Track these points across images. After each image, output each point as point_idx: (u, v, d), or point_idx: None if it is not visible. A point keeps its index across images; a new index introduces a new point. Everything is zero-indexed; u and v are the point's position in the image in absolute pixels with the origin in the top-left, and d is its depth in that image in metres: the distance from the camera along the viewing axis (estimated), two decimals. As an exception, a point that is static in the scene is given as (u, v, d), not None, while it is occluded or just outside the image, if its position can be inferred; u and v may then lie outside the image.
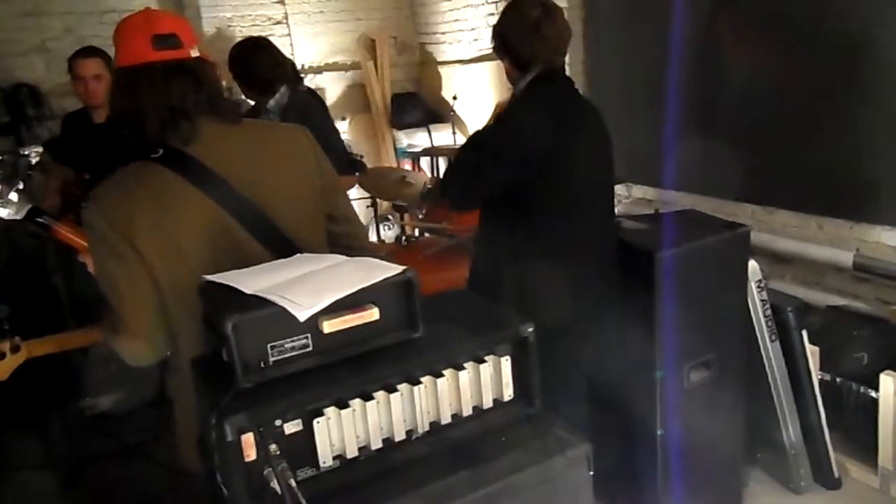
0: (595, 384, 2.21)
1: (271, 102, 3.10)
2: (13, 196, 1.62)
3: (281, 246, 1.44)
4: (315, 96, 3.55)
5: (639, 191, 4.43)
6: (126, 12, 1.49)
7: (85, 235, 1.59)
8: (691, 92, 3.74)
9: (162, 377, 1.55)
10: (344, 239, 1.62)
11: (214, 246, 1.39)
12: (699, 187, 3.87)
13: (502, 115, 2.17)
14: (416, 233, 4.29)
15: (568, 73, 2.28)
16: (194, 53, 1.45)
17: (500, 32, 2.17)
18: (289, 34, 5.93)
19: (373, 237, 5.12)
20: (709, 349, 2.34)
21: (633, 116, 4.14)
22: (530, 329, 1.30)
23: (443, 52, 6.18)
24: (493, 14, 5.27)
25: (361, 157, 4.30)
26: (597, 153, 2.18)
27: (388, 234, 5.64)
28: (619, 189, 4.06)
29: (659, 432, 2.30)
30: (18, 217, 1.64)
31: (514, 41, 2.11)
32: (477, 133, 2.17)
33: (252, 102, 3.17)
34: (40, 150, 2.51)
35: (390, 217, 5.78)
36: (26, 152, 2.48)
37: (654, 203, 4.27)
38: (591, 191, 2.17)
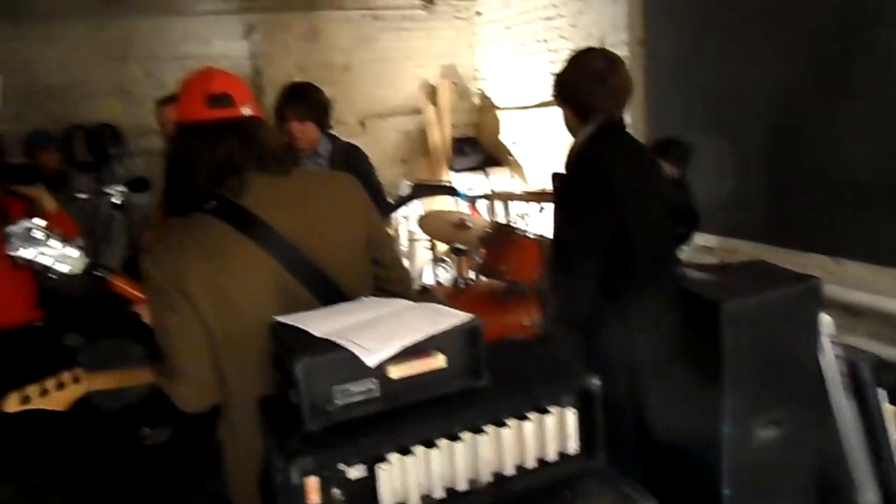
0: (654, 437, 2.15)
1: (319, 149, 3.18)
2: (72, 251, 1.67)
3: (330, 294, 1.46)
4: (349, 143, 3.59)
5: (700, 238, 4.34)
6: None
7: (139, 287, 1.64)
8: (756, 139, 3.69)
9: (213, 422, 1.57)
10: (389, 284, 1.65)
11: (265, 295, 1.42)
12: (764, 236, 3.77)
13: (572, 173, 2.17)
14: (473, 275, 4.30)
15: (628, 121, 2.29)
16: (246, 112, 1.51)
17: (563, 81, 2.19)
18: (353, 80, 6.11)
19: (430, 279, 5.15)
20: (778, 406, 2.24)
21: (694, 164, 4.09)
22: (596, 381, 1.28)
23: (502, 98, 6.26)
24: (553, 62, 5.33)
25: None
26: (658, 203, 2.17)
27: (445, 276, 5.67)
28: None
29: (725, 491, 2.21)
30: (77, 272, 1.69)
31: (577, 91, 2.13)
32: (560, 209, 2.17)
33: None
34: (123, 188, 2.63)
35: (447, 259, 5.81)
36: (108, 191, 2.60)
37: (714, 251, 4.18)
38: (652, 241, 2.14)
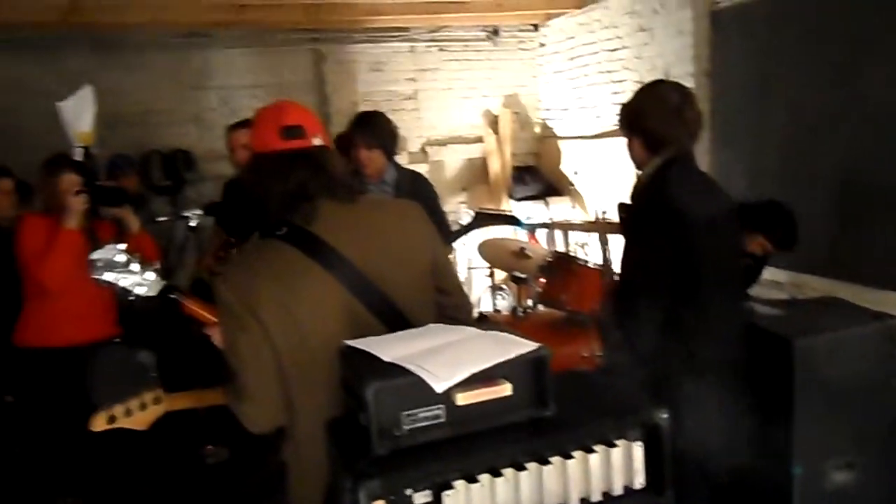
0: (720, 476, 2.09)
1: (386, 176, 3.24)
2: (150, 275, 1.76)
3: (395, 319, 1.49)
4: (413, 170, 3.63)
5: (768, 273, 4.22)
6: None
7: (211, 310, 1.71)
8: (827, 172, 3.58)
9: (274, 442, 1.60)
10: (452, 310, 1.66)
11: (333, 319, 1.46)
12: (834, 272, 3.64)
13: (640, 204, 2.16)
14: (531, 304, 4.28)
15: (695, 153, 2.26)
16: (317, 142, 1.57)
17: (634, 112, 2.18)
18: (417, 109, 6.23)
19: (488, 307, 5.15)
20: (853, 449, 2.16)
21: (760, 195, 3.99)
22: (664, 415, 1.26)
23: (564, 128, 6.27)
24: (616, 92, 5.31)
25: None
26: (728, 236, 2.13)
27: (503, 303, 5.66)
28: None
29: (795, 536, 2.13)
30: (153, 294, 1.77)
31: (650, 122, 2.12)
32: (627, 240, 2.16)
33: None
34: (199, 212, 2.74)
35: (504, 287, 5.80)
36: (186, 214, 2.72)
37: (784, 286, 4.05)
38: (721, 274, 2.10)
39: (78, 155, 3.09)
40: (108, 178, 3.87)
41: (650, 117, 2.12)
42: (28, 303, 2.94)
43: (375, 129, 3.20)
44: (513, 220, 3.63)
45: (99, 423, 1.76)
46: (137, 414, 1.80)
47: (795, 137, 3.79)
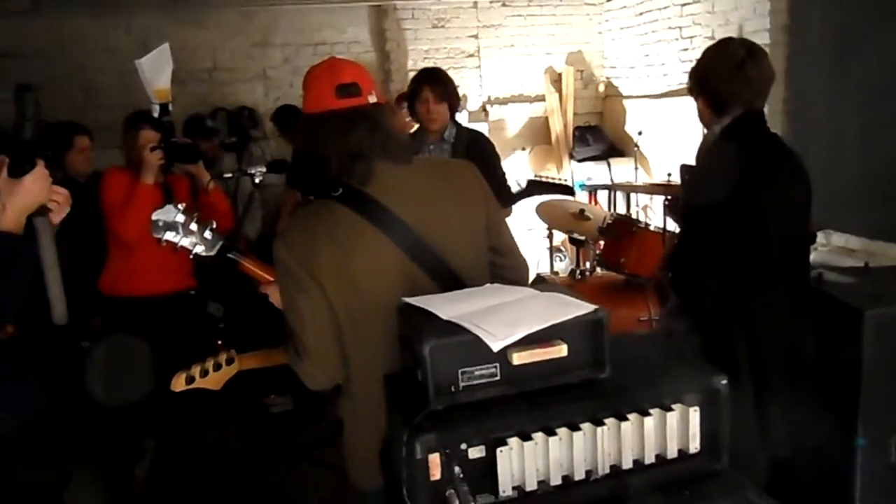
0: (780, 444, 2.05)
1: (445, 134, 3.24)
2: (208, 234, 1.80)
3: (449, 280, 1.50)
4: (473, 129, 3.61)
5: (839, 239, 4.06)
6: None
7: (268, 270, 1.75)
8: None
9: (335, 400, 1.65)
10: (506, 271, 1.65)
11: (388, 279, 1.47)
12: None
13: (704, 166, 2.10)
14: (589, 267, 4.24)
15: (766, 113, 2.17)
16: (372, 99, 1.56)
17: (698, 71, 2.11)
18: (479, 66, 6.15)
19: (546, 268, 5.13)
20: (921, 423, 2.09)
21: (838, 158, 3.83)
22: (724, 381, 1.25)
23: (629, 86, 6.10)
24: (686, 49, 5.12)
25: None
26: (790, 205, 2.05)
27: (561, 265, 5.62)
28: (818, 236, 3.75)
29: (856, 508, 2.09)
30: (212, 254, 1.81)
31: (714, 80, 2.05)
32: (689, 201, 2.11)
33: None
34: (263, 170, 2.80)
35: (563, 249, 5.75)
36: (252, 171, 2.78)
37: (856, 253, 3.90)
38: (787, 238, 2.03)
39: (155, 111, 3.17)
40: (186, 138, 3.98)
41: (711, 75, 2.05)
42: (111, 253, 3.08)
43: (445, 84, 3.19)
44: (566, 190, 3.53)
45: (179, 384, 1.87)
46: (213, 374, 1.89)
47: (877, 98, 3.60)
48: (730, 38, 2.17)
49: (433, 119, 3.18)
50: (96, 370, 2.68)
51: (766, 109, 2.15)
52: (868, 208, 3.68)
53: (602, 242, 3.96)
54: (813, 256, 2.97)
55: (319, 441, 3.45)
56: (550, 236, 4.87)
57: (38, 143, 3.80)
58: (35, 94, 4.57)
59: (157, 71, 3.18)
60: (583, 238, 4.08)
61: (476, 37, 6.11)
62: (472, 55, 6.13)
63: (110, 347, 2.80)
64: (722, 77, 2.03)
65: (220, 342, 3.34)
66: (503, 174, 3.45)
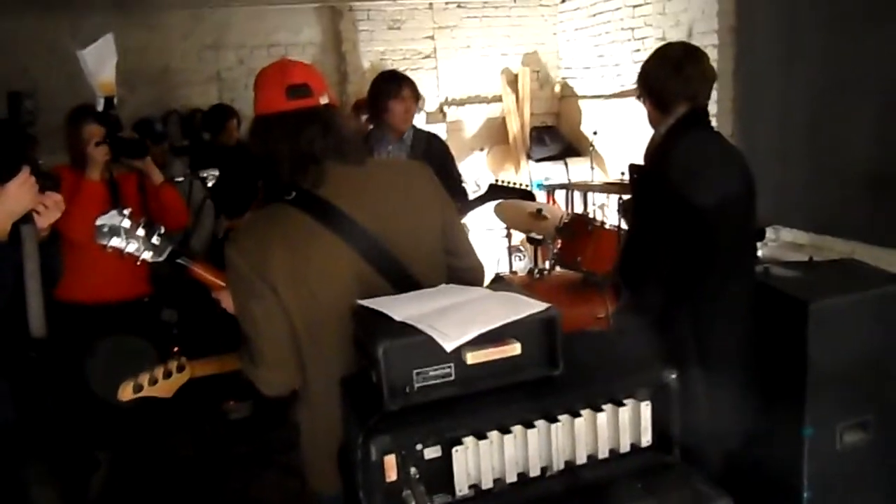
0: (730, 435, 2.10)
1: (404, 136, 3.23)
2: (156, 239, 1.73)
3: (405, 282, 1.49)
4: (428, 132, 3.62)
5: (788, 234, 4.18)
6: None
7: (219, 275, 1.70)
8: (856, 133, 3.51)
9: (292, 406, 1.64)
10: (462, 273, 1.65)
11: (344, 283, 1.46)
12: (858, 233, 3.60)
13: (650, 165, 2.14)
14: (548, 266, 4.29)
15: (714, 111, 2.24)
16: (324, 100, 1.54)
17: (643, 74, 2.18)
18: (435, 68, 6.16)
19: (505, 268, 5.16)
20: (867, 409, 2.16)
21: (785, 155, 3.94)
22: (673, 375, 1.27)
23: (584, 87, 6.18)
24: (638, 50, 5.21)
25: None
26: (732, 201, 2.10)
27: (520, 265, 5.66)
28: (767, 232, 3.86)
29: (805, 495, 2.15)
30: (160, 259, 1.74)
31: (655, 81, 2.12)
32: (637, 200, 2.15)
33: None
34: (216, 173, 2.74)
35: (522, 248, 5.80)
36: (204, 175, 2.72)
37: (804, 248, 4.01)
38: (733, 235, 2.09)
39: (100, 105, 3.05)
40: None
41: (653, 77, 2.13)
42: (64, 258, 2.98)
43: (414, 84, 3.21)
44: (527, 195, 3.56)
45: (126, 394, 1.80)
46: (162, 382, 1.84)
47: (823, 96, 3.71)
48: (671, 42, 2.25)
49: (408, 119, 3.17)
50: (98, 370, 2.60)
51: (714, 108, 2.21)
52: (815, 204, 3.80)
53: (560, 241, 4.00)
54: (762, 252, 3.06)
55: (281, 446, 3.42)
56: (509, 236, 4.90)
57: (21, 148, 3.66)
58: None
59: (100, 62, 3.04)
60: (541, 237, 4.11)
61: (432, 38, 6.12)
62: (428, 56, 6.14)
63: (113, 346, 2.72)
64: (662, 77, 2.11)
65: (175, 349, 3.28)
66: (459, 175, 3.47)
